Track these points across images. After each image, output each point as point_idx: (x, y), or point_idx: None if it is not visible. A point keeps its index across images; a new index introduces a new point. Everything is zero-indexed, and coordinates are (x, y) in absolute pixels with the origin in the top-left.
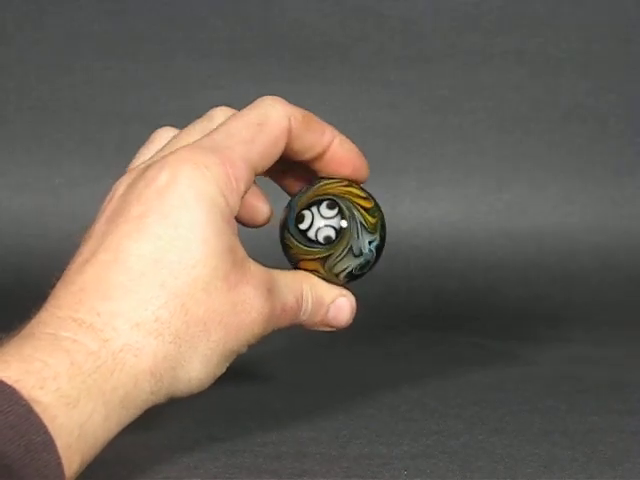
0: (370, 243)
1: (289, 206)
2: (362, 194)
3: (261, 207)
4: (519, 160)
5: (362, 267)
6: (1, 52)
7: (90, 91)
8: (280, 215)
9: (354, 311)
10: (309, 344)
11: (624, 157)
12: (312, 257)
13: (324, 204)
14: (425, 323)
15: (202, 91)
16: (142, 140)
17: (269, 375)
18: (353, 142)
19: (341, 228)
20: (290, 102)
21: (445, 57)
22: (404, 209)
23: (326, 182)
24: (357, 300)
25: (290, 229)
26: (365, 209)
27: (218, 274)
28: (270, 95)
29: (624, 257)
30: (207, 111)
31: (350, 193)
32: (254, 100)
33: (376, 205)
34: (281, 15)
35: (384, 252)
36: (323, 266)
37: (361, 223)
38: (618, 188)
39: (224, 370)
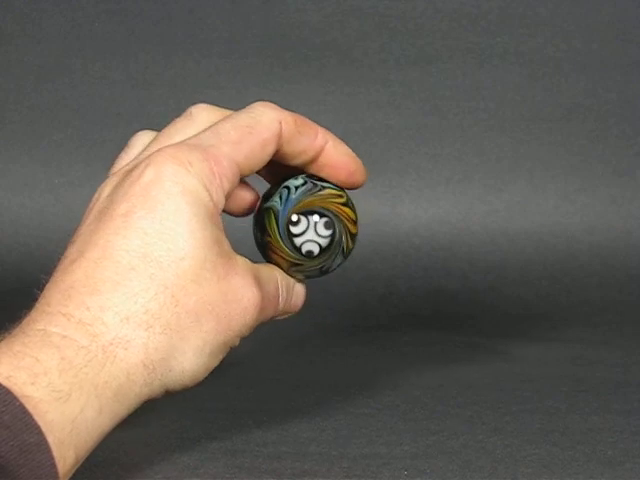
0: (339, 265)
1: (283, 192)
2: (353, 217)
3: (247, 195)
4: (519, 160)
5: (317, 276)
6: (1, 52)
7: (90, 91)
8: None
9: (304, 298)
10: (309, 344)
11: (624, 157)
12: (285, 257)
13: (323, 221)
14: (425, 323)
15: (202, 91)
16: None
17: (269, 375)
18: (349, 145)
19: (326, 249)
20: (290, 102)
21: (445, 57)
22: (404, 209)
23: (328, 192)
24: (357, 299)
25: (279, 223)
26: (351, 235)
27: (206, 265)
28: (267, 99)
29: (624, 257)
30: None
31: (345, 215)
32: (254, 99)
33: (357, 230)
34: (281, 15)
35: (384, 252)
36: (289, 268)
37: (342, 248)
38: (618, 188)
39: (217, 363)
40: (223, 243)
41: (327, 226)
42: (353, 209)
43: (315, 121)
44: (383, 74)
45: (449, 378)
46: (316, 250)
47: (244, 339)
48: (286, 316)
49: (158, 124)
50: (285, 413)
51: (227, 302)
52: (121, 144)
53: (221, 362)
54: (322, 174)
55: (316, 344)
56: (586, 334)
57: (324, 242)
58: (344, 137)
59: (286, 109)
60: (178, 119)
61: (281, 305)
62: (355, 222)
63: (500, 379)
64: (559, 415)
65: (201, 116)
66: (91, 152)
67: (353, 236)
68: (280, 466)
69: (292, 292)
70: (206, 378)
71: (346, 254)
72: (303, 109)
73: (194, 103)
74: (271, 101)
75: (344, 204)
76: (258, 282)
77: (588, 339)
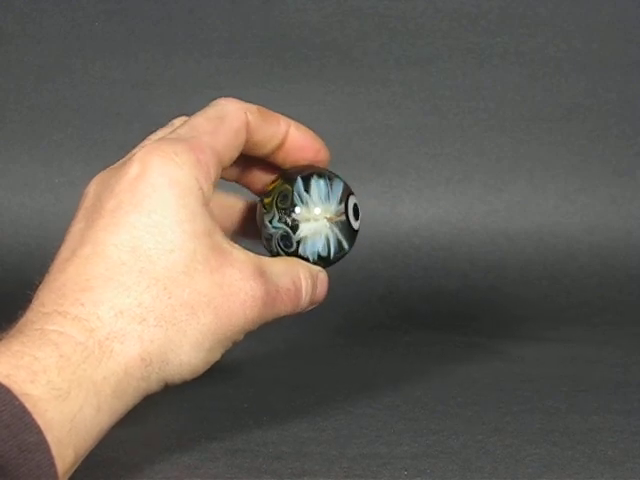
0: (271, 221)
1: None
2: (271, 179)
3: (238, 204)
4: (519, 160)
5: (285, 241)
6: (1, 52)
7: (90, 91)
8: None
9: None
10: (309, 344)
11: (624, 157)
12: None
13: None
14: (425, 323)
15: (202, 91)
16: (142, 140)
17: (269, 375)
18: (349, 145)
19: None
20: (290, 102)
21: (445, 57)
22: (404, 209)
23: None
24: (357, 299)
25: None
26: (264, 193)
27: (197, 257)
28: (267, 99)
29: (624, 257)
30: None
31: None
32: (254, 99)
33: (284, 179)
34: (281, 15)
35: (384, 252)
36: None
37: (260, 210)
38: (618, 188)
39: (219, 357)
40: (215, 234)
41: None
42: (281, 176)
43: (315, 121)
44: (383, 74)
45: (449, 378)
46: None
47: (244, 339)
48: (311, 307)
49: (158, 124)
50: (285, 413)
51: (224, 295)
52: (121, 144)
53: (222, 356)
54: (290, 158)
55: (316, 344)
56: (586, 334)
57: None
58: (344, 137)
59: (279, 108)
60: (160, 129)
61: (306, 299)
62: (272, 182)
63: (500, 379)
64: (559, 415)
65: (179, 121)
66: (91, 152)
67: (267, 193)
68: (280, 466)
69: (316, 283)
70: (206, 377)
71: (267, 209)
72: (303, 109)
73: (194, 103)
74: (270, 101)
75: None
76: (262, 275)
77: (588, 339)
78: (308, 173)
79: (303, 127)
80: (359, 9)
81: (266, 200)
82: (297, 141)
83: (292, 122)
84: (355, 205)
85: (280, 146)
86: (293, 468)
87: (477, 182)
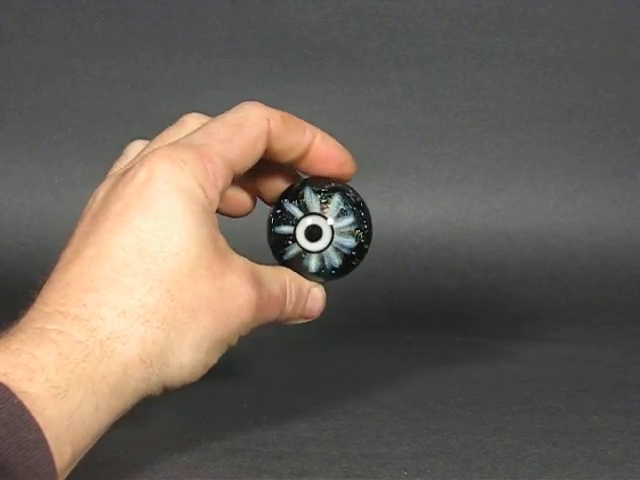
0: (273, 228)
1: None
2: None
3: (242, 196)
4: (519, 160)
5: (282, 251)
6: (1, 52)
7: (90, 91)
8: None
9: (325, 301)
10: (309, 343)
11: (624, 157)
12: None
13: None
14: (425, 323)
15: (202, 91)
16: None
17: (269, 375)
18: (349, 145)
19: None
20: (290, 102)
21: (445, 57)
22: (404, 209)
23: None
24: (357, 299)
25: None
26: (280, 196)
27: (201, 262)
28: (267, 99)
29: (624, 257)
30: (206, 111)
31: None
32: (254, 99)
33: (294, 189)
34: (281, 15)
35: (384, 252)
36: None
37: (269, 216)
38: (618, 188)
39: (216, 361)
40: (218, 241)
41: None
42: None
43: (315, 121)
44: (383, 74)
45: (449, 378)
46: None
47: (244, 339)
48: (304, 321)
49: (158, 124)
50: (285, 413)
51: (223, 299)
52: (121, 144)
53: (219, 361)
54: (313, 169)
55: (316, 344)
56: (586, 334)
57: None
58: (344, 137)
59: (279, 108)
60: (171, 127)
61: (289, 307)
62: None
63: (500, 379)
64: (559, 415)
65: (192, 123)
66: (91, 152)
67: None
68: (280, 466)
69: (305, 296)
70: (206, 377)
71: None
72: (303, 109)
73: (194, 103)
74: (270, 101)
75: None
76: (256, 282)
77: (588, 339)
78: (316, 188)
79: (330, 139)
80: (359, 9)
81: (274, 207)
82: (321, 153)
83: (319, 132)
84: (310, 227)
85: (304, 155)
86: (293, 468)
87: (477, 182)
